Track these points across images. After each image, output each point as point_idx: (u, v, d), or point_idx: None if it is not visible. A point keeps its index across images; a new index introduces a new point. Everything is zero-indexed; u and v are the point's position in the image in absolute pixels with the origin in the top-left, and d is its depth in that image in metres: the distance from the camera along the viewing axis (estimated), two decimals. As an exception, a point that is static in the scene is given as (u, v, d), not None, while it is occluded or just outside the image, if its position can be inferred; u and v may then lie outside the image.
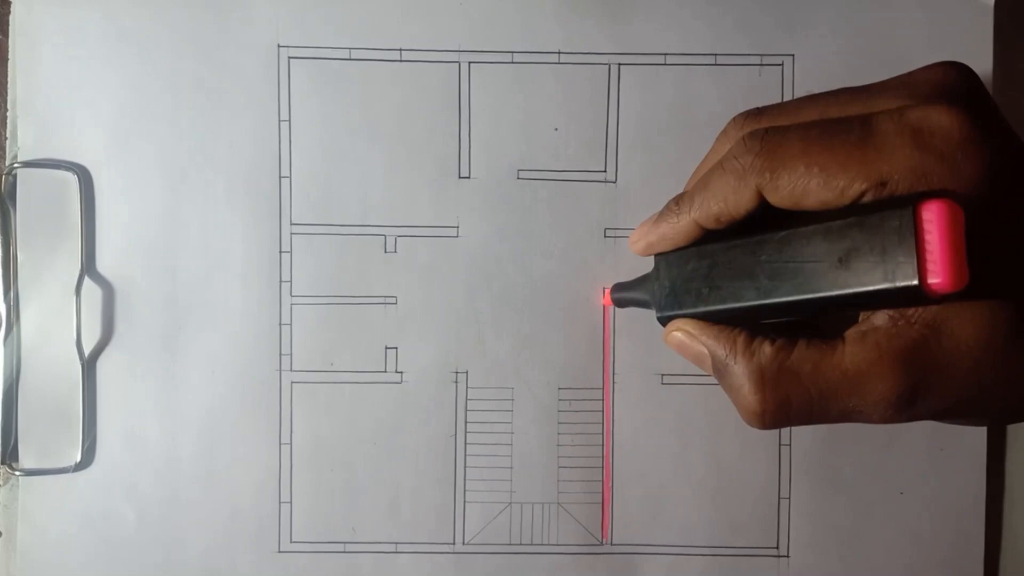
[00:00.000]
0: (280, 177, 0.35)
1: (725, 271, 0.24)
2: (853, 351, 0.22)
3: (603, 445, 0.35)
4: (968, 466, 0.35)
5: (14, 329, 0.35)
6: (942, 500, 0.35)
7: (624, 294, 0.30)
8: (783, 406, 0.23)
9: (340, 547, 0.35)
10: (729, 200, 0.23)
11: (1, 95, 0.35)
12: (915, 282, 0.20)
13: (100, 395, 0.35)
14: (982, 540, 0.35)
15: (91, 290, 0.35)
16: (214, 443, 0.35)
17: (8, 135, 0.35)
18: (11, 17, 0.34)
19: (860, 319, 0.23)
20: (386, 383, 0.35)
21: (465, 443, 0.35)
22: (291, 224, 0.35)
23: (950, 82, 0.23)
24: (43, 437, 0.35)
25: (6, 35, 0.35)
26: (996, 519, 0.35)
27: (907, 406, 0.22)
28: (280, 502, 0.35)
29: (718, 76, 0.35)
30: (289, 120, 0.35)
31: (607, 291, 0.32)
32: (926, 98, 0.22)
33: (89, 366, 0.35)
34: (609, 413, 0.35)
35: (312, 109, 0.35)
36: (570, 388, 0.35)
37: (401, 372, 0.35)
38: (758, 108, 0.25)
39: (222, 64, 0.35)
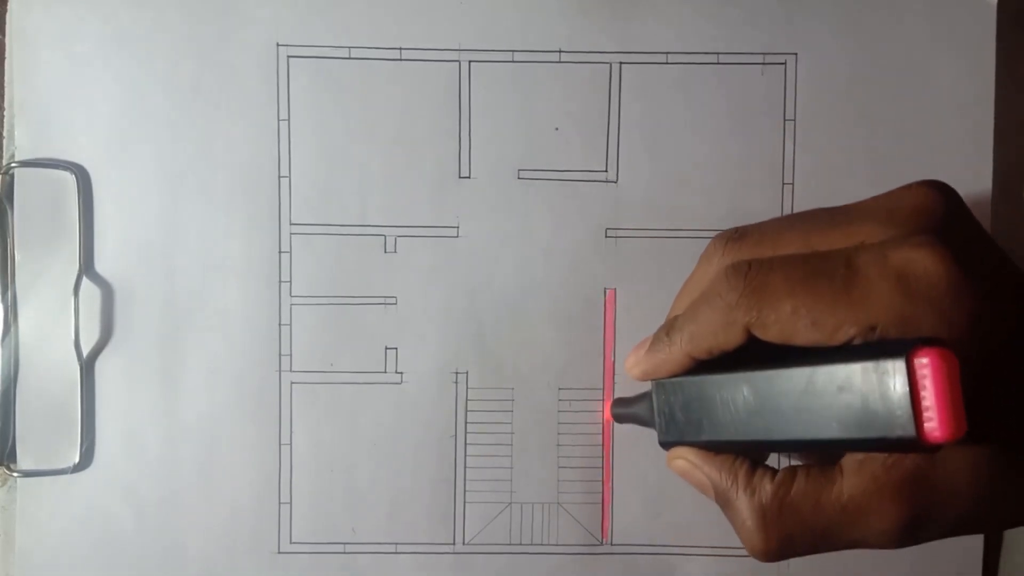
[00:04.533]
0: (279, 177, 0.35)
1: (722, 404, 0.24)
2: (851, 483, 0.22)
3: (603, 445, 0.35)
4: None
5: (12, 329, 0.35)
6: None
7: (624, 410, 0.31)
8: (786, 543, 0.24)
9: (340, 548, 0.35)
10: (719, 336, 0.24)
11: (-2, 94, 0.35)
12: (912, 435, 0.20)
13: (99, 396, 0.35)
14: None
15: (89, 290, 0.35)
16: (213, 444, 0.35)
17: (5, 134, 0.35)
18: (8, 16, 0.34)
19: None
20: (386, 383, 0.35)
21: (465, 443, 0.35)
22: (290, 224, 0.35)
23: (932, 209, 0.23)
24: (41, 438, 0.35)
25: (3, 34, 0.35)
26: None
27: (910, 537, 0.22)
28: (280, 503, 0.35)
29: (720, 75, 0.35)
30: (288, 120, 0.35)
31: (608, 405, 0.32)
32: (909, 230, 0.22)
33: (87, 367, 0.35)
34: (609, 413, 0.35)
35: (311, 109, 0.35)
36: (570, 388, 0.35)
37: (401, 372, 0.35)
38: (737, 230, 0.25)
39: (221, 63, 0.35)
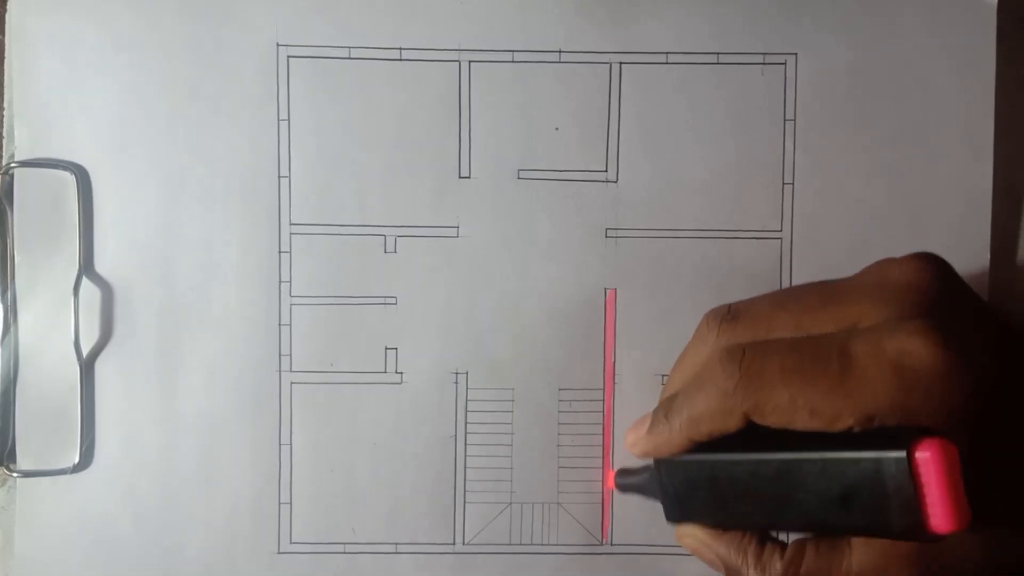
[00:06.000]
0: (279, 177, 0.35)
1: (727, 486, 0.25)
2: (861, 558, 0.22)
3: (603, 445, 0.35)
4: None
5: (11, 330, 0.34)
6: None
7: (628, 481, 0.31)
8: None
9: (340, 548, 0.35)
10: (717, 422, 0.24)
11: (-3, 94, 0.35)
12: (918, 527, 0.20)
13: (98, 396, 0.35)
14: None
15: (89, 290, 0.35)
16: (213, 444, 0.35)
17: (5, 134, 0.35)
18: (7, 16, 0.34)
19: None
20: (386, 384, 0.35)
21: (465, 443, 0.35)
22: (290, 224, 0.35)
23: (925, 286, 0.23)
24: (41, 438, 0.35)
25: (2, 34, 0.35)
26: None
27: None
28: (280, 503, 0.35)
29: (720, 75, 0.35)
30: (288, 120, 0.35)
31: (611, 474, 0.33)
32: (902, 311, 0.22)
33: (87, 367, 0.35)
34: (609, 413, 0.35)
35: (311, 109, 0.35)
36: (570, 388, 0.35)
37: (401, 373, 0.35)
38: (730, 309, 0.25)
39: (220, 63, 0.35)
